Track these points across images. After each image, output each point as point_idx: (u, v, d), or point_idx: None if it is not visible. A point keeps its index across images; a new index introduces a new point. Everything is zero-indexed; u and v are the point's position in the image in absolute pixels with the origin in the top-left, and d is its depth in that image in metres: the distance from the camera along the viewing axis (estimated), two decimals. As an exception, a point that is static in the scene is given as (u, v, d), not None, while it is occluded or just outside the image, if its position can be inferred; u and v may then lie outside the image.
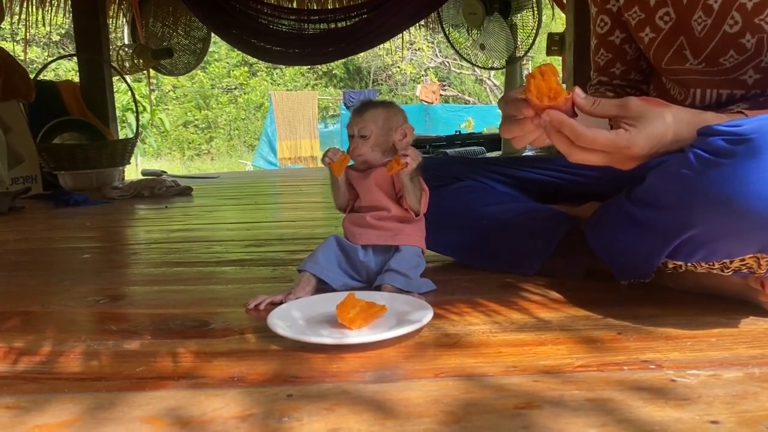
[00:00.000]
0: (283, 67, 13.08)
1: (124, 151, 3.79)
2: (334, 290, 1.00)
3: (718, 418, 0.56)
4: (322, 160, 1.03)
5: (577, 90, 0.79)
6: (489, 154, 4.44)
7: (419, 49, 13.55)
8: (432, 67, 14.17)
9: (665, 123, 0.79)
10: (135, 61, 4.41)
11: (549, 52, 4.38)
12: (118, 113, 4.58)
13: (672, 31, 1.02)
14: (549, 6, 4.73)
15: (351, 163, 1.06)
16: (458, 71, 13.98)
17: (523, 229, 1.14)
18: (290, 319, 0.86)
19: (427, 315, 0.83)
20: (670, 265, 0.91)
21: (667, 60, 1.04)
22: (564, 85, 0.80)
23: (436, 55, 13.77)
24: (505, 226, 1.16)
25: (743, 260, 0.84)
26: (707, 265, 0.87)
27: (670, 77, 1.08)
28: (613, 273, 1.00)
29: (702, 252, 0.85)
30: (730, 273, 0.87)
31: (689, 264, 0.88)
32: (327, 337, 0.79)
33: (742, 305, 0.88)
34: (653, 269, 0.92)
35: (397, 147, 1.03)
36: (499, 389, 0.65)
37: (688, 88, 1.04)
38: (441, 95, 12.33)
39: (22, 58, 5.99)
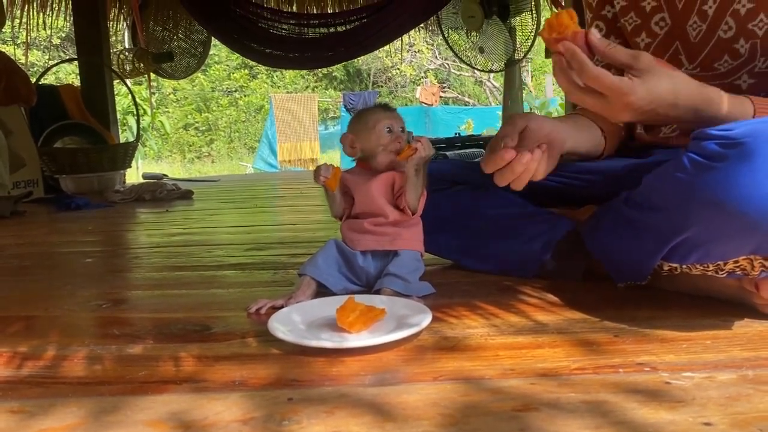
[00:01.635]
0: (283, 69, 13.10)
1: (125, 154, 3.81)
2: (334, 294, 1.01)
3: (712, 420, 0.57)
4: (315, 178, 1.03)
5: (593, 30, 0.81)
6: (489, 156, 4.45)
7: (419, 51, 13.57)
8: (432, 69, 14.19)
9: (670, 83, 0.80)
10: (135, 64, 4.44)
11: (548, 55, 4.39)
12: (118, 116, 4.59)
13: (667, 36, 1.03)
14: (548, 8, 4.74)
15: (345, 167, 1.07)
16: (458, 73, 13.99)
17: (521, 232, 1.15)
18: (290, 323, 0.87)
19: (426, 318, 0.84)
20: (666, 268, 0.92)
21: None
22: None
23: (436, 57, 13.78)
24: (504, 229, 1.17)
25: (737, 262, 0.85)
26: (702, 267, 0.88)
27: None
28: (610, 275, 1.01)
29: (696, 254, 0.86)
30: (724, 275, 0.88)
31: (684, 266, 0.89)
32: (327, 340, 0.80)
33: (736, 307, 0.89)
34: (649, 271, 0.93)
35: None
36: (496, 392, 0.66)
37: None
38: (441, 97, 12.35)
39: (22, 61, 6.01)
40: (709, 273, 0.88)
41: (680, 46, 1.02)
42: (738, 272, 0.86)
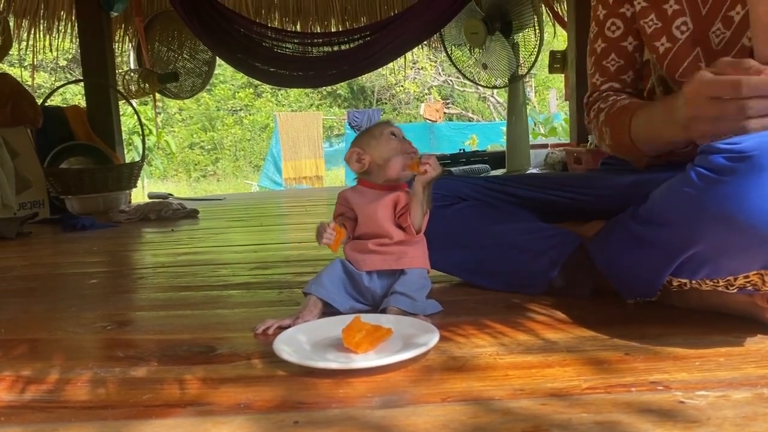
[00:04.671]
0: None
1: (130, 174, 3.82)
2: (340, 313, 1.00)
3: (728, 441, 0.56)
4: (318, 239, 1.02)
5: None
6: (493, 172, 4.45)
7: (422, 68, 13.63)
8: (435, 86, 14.24)
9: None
10: (141, 85, 4.46)
11: (551, 70, 4.41)
12: (124, 136, 4.60)
13: (688, 42, 1.01)
14: (551, 24, 4.76)
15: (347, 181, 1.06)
16: (461, 89, 14.04)
17: (528, 249, 1.14)
18: (296, 343, 0.86)
19: (434, 338, 0.83)
20: (675, 283, 0.91)
21: (681, 72, 1.03)
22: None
23: (439, 73, 13.84)
24: (511, 245, 1.15)
25: (747, 277, 0.84)
26: (712, 283, 0.87)
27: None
28: (619, 292, 1.00)
29: (706, 269, 0.85)
30: (734, 290, 0.86)
31: (694, 281, 0.88)
32: (333, 361, 0.79)
33: (748, 323, 0.87)
34: (658, 287, 0.92)
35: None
36: (506, 413, 0.64)
37: None
38: (445, 113, 12.38)
39: (29, 83, 6.06)
40: (720, 288, 0.87)
41: (701, 53, 1.00)
42: (749, 287, 0.85)
